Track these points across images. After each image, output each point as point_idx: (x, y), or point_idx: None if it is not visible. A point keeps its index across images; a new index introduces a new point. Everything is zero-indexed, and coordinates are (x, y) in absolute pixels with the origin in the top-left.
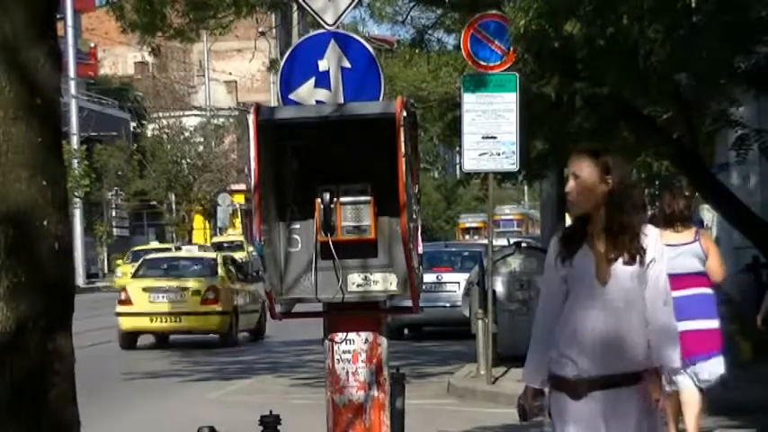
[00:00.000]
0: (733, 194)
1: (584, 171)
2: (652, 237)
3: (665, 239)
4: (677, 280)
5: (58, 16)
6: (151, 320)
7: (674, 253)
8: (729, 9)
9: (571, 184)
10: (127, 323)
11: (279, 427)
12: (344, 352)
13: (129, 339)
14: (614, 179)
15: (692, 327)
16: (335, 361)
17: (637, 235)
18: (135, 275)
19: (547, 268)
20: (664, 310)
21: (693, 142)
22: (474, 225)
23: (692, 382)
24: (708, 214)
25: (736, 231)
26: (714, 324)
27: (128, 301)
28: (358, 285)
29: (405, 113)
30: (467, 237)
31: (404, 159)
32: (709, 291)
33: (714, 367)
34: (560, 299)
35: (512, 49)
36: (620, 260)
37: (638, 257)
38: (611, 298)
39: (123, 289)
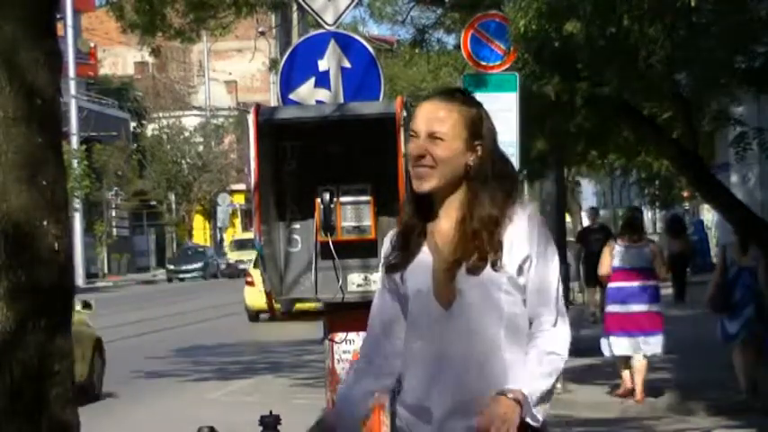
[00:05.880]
0: (733, 194)
1: (445, 126)
2: (524, 223)
3: (624, 243)
4: (629, 273)
5: (58, 16)
6: None
7: (630, 250)
8: (729, 9)
9: (423, 145)
10: (251, 301)
11: (279, 427)
12: (344, 352)
13: (253, 315)
14: (486, 145)
15: (641, 309)
16: (335, 361)
17: (496, 225)
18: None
19: (380, 276)
20: (552, 330)
21: (693, 142)
22: None
23: (640, 352)
24: (708, 214)
25: None
26: (656, 308)
27: (252, 283)
28: (358, 285)
29: (405, 113)
30: None
31: (404, 159)
32: (653, 283)
33: (655, 342)
34: (390, 323)
35: (512, 49)
36: (465, 265)
37: (489, 258)
38: (459, 328)
39: (248, 273)
